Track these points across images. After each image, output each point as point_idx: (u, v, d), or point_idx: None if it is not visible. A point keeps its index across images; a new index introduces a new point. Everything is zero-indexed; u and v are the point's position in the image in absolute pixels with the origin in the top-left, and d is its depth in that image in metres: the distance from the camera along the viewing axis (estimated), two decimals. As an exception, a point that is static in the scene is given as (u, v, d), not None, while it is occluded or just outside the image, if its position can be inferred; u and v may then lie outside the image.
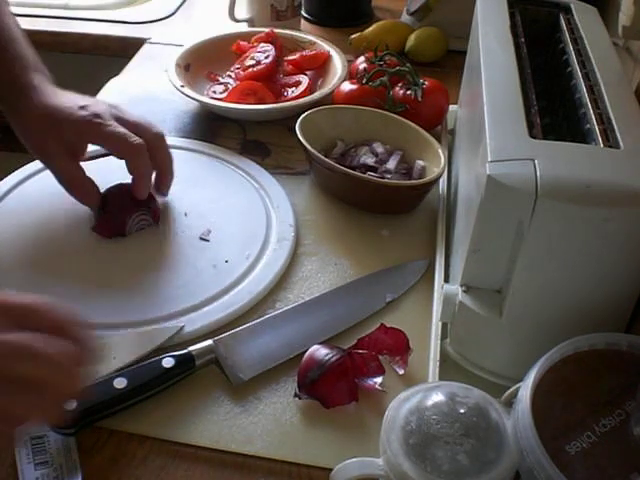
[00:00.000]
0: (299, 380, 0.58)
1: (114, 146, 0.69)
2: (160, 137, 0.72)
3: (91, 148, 0.84)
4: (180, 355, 0.58)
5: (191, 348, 0.59)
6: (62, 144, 0.69)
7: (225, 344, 0.60)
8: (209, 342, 0.60)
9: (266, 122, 0.91)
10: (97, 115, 0.69)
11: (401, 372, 0.60)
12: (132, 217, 0.72)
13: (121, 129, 0.69)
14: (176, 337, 0.62)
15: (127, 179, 0.75)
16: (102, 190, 0.73)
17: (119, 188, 0.73)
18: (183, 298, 0.66)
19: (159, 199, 0.75)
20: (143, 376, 0.56)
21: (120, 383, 0.55)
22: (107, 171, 0.80)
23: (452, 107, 0.89)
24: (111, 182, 0.74)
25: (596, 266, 0.51)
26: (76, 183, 0.70)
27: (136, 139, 0.68)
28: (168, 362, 0.57)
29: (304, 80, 0.94)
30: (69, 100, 0.70)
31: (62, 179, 0.70)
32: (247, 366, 0.59)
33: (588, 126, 0.55)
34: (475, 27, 0.71)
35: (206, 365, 0.59)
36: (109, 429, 0.56)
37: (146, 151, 0.69)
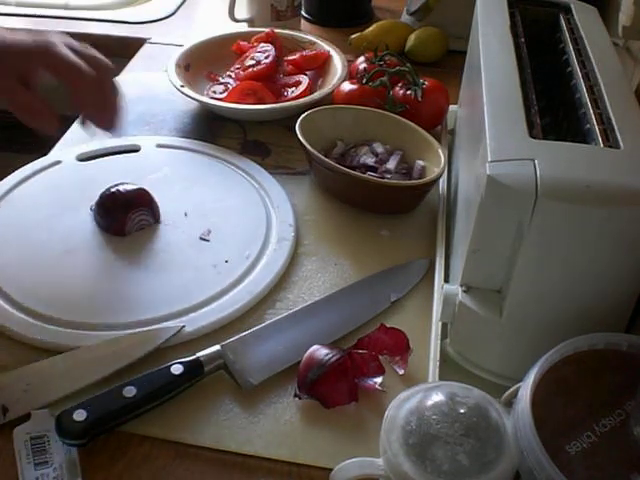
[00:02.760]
0: (299, 380, 0.58)
1: (63, 73, 0.66)
2: (108, 70, 0.68)
3: (94, 148, 0.84)
4: (188, 361, 0.58)
5: (199, 354, 0.59)
6: (12, 76, 0.65)
7: (233, 349, 0.60)
8: (217, 347, 0.60)
9: (266, 122, 0.91)
10: (49, 42, 0.66)
11: (401, 372, 0.60)
12: (132, 217, 0.72)
13: (72, 57, 0.65)
14: (177, 337, 0.62)
15: (127, 178, 0.75)
16: (102, 190, 0.73)
17: (119, 188, 0.73)
18: (183, 298, 0.66)
19: (109, 134, 0.72)
20: (152, 384, 0.56)
21: (129, 392, 0.55)
22: (107, 171, 0.81)
23: (452, 107, 0.89)
24: (111, 182, 0.74)
25: (596, 266, 0.51)
26: (31, 111, 0.66)
27: (86, 69, 0.65)
28: (177, 369, 0.57)
29: (304, 80, 0.94)
30: (21, 34, 0.68)
31: (17, 110, 0.66)
32: (256, 370, 0.59)
33: (588, 126, 0.55)
34: (475, 27, 0.71)
35: (214, 371, 0.59)
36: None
37: (95, 82, 0.66)
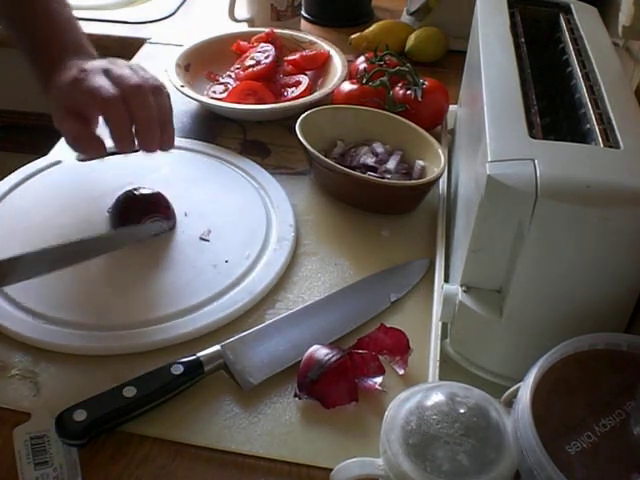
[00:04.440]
0: (299, 380, 0.58)
1: (88, 100, 0.65)
2: (137, 86, 0.65)
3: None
4: (188, 362, 0.58)
5: (199, 354, 0.59)
6: (66, 108, 0.67)
7: (233, 349, 0.60)
8: (217, 347, 0.60)
9: (266, 122, 0.91)
10: (82, 71, 0.66)
11: (401, 372, 0.60)
12: (145, 223, 0.71)
13: (96, 82, 0.65)
14: (177, 337, 0.62)
15: (128, 178, 0.75)
16: (104, 190, 0.73)
17: (134, 193, 0.72)
18: (183, 298, 0.66)
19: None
20: (152, 384, 0.56)
21: (129, 392, 0.55)
22: (107, 171, 0.81)
23: (452, 107, 0.89)
24: (111, 182, 0.74)
25: (596, 266, 0.51)
26: (77, 140, 0.67)
27: (107, 92, 0.64)
28: (177, 369, 0.57)
29: (304, 80, 0.94)
30: (75, 67, 0.68)
31: (67, 139, 0.68)
32: (256, 370, 0.59)
33: (588, 126, 0.55)
34: (475, 27, 0.71)
35: (215, 371, 0.59)
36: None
37: (118, 101, 0.64)
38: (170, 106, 0.69)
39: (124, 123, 0.65)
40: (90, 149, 0.67)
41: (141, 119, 0.65)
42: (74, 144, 0.68)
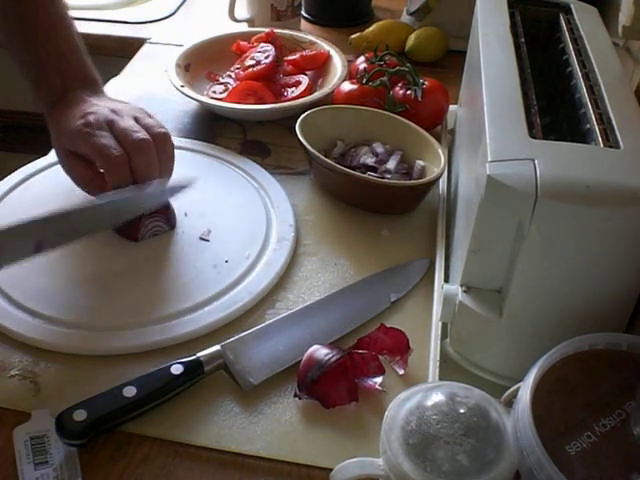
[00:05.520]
0: (299, 380, 0.58)
1: (94, 158, 0.67)
2: (140, 144, 0.66)
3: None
4: (188, 362, 0.58)
5: (199, 354, 0.59)
6: (69, 152, 0.70)
7: (233, 349, 0.60)
8: (217, 347, 0.60)
9: (266, 122, 0.91)
10: (87, 124, 0.67)
11: (401, 372, 0.60)
12: (145, 223, 0.71)
13: (102, 140, 0.66)
14: (177, 337, 0.62)
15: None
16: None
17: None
18: (183, 298, 0.66)
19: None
20: (152, 384, 0.56)
21: (129, 392, 0.55)
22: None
23: (452, 107, 0.89)
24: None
25: (596, 266, 0.51)
26: (85, 181, 0.70)
27: (112, 151, 0.65)
28: (177, 369, 0.57)
29: (304, 80, 0.94)
30: (79, 110, 0.70)
31: (74, 181, 0.71)
32: (256, 370, 0.59)
33: (588, 126, 0.55)
34: (475, 27, 0.71)
35: (215, 371, 0.59)
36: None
37: (122, 162, 0.65)
38: (172, 153, 0.71)
39: (124, 181, 0.66)
40: (94, 188, 0.69)
41: (142, 177, 0.67)
42: (79, 184, 0.70)
